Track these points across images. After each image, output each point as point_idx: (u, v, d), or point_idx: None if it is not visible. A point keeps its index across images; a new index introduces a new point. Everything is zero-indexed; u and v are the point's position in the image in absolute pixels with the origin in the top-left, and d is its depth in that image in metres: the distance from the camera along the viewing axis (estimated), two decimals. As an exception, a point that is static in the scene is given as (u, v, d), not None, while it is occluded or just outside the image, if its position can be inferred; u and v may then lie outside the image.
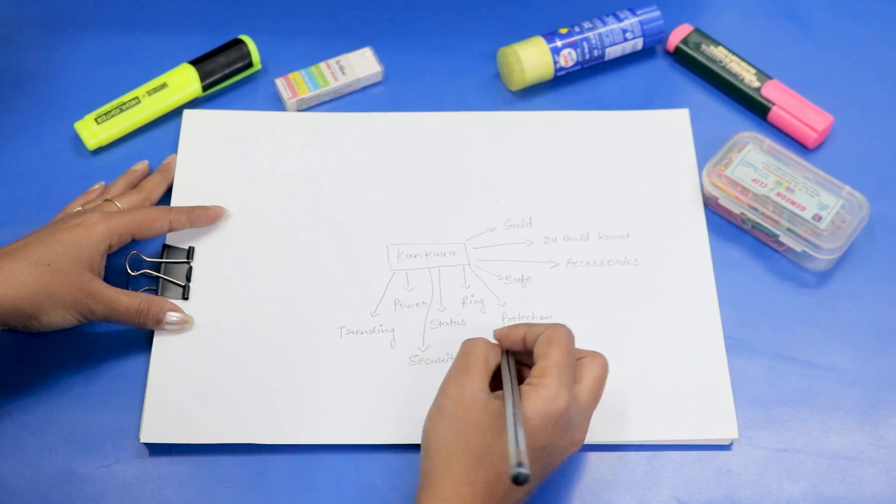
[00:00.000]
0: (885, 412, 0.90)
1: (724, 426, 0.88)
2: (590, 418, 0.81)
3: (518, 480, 0.70)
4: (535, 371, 0.78)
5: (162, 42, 1.09)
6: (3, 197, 1.00)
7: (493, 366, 0.81)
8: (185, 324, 0.91)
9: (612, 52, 1.06)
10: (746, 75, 1.05)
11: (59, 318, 0.85)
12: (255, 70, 1.07)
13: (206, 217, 0.96)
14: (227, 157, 1.01)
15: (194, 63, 1.05)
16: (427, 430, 0.79)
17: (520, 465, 0.70)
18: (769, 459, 0.88)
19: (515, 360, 0.83)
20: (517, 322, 0.93)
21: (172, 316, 0.90)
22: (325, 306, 0.92)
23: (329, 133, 1.03)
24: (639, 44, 1.07)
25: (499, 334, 0.83)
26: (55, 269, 0.84)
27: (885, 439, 0.89)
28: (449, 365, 0.90)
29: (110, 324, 0.92)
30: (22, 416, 0.89)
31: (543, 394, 0.76)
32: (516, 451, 0.71)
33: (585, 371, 0.80)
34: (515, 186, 1.00)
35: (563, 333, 0.80)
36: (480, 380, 0.79)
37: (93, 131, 1.02)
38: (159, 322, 0.90)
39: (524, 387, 0.78)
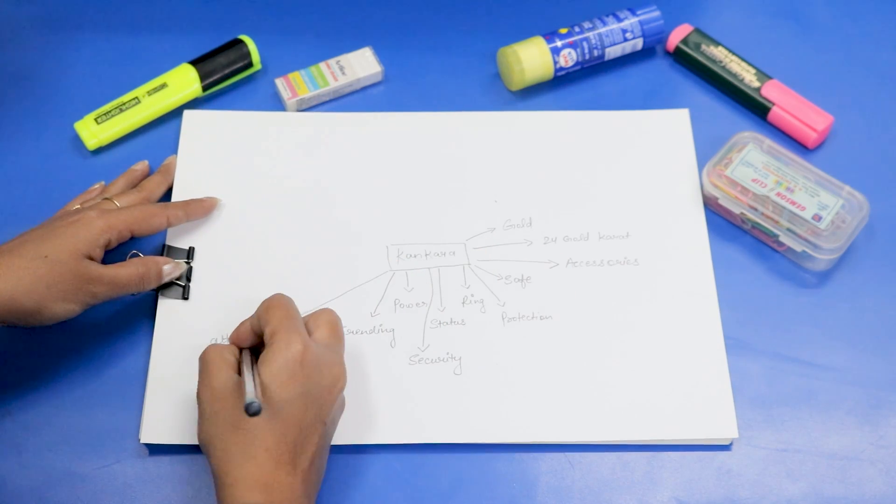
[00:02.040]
0: (885, 412, 0.91)
1: (723, 426, 0.88)
2: (342, 355, 0.84)
3: (250, 410, 0.76)
4: (265, 338, 0.82)
5: (162, 42, 1.09)
6: (3, 197, 1.00)
7: (232, 359, 0.82)
8: (179, 269, 0.92)
9: (612, 52, 1.06)
10: (746, 75, 1.05)
11: (60, 309, 0.85)
12: (255, 70, 1.07)
13: (202, 209, 0.96)
14: (227, 158, 1.01)
15: (194, 63, 1.05)
16: (199, 438, 0.81)
17: (247, 402, 0.76)
18: (769, 459, 0.88)
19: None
20: (517, 322, 0.93)
21: (167, 268, 0.92)
22: (325, 306, 0.92)
23: (329, 133, 1.03)
24: (639, 44, 1.07)
25: (231, 337, 0.86)
26: (52, 261, 0.84)
27: (885, 439, 0.89)
28: (450, 364, 0.90)
29: (111, 323, 0.93)
30: (22, 416, 0.89)
31: (277, 346, 0.79)
32: (251, 391, 0.77)
33: (315, 321, 0.84)
34: (515, 186, 1.00)
35: (277, 298, 0.84)
36: (224, 374, 0.81)
37: (93, 131, 1.02)
38: (160, 279, 0.91)
39: (263, 355, 0.81)
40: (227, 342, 0.91)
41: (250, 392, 0.77)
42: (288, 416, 0.78)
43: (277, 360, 0.79)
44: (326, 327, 0.84)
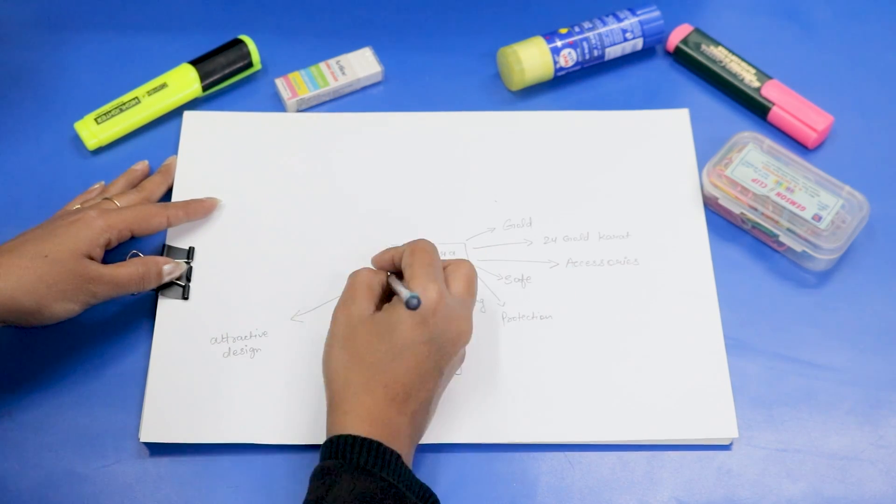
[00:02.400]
0: (885, 412, 0.90)
1: (723, 426, 0.88)
2: (471, 311, 0.86)
3: (411, 304, 0.78)
4: (405, 280, 0.84)
5: (162, 42, 1.09)
6: (3, 197, 1.00)
7: (377, 290, 0.86)
8: (179, 269, 0.93)
9: (612, 52, 1.06)
10: (746, 75, 1.05)
11: (61, 308, 0.85)
12: (255, 70, 1.07)
13: (202, 209, 0.96)
14: (227, 158, 1.01)
15: (194, 63, 1.05)
16: (324, 360, 0.83)
17: (408, 297, 0.78)
18: (769, 459, 0.88)
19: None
20: (517, 322, 0.93)
21: (168, 267, 0.92)
22: (325, 306, 0.92)
23: (329, 133, 1.03)
24: (639, 44, 1.07)
25: (374, 260, 0.90)
26: (52, 260, 0.84)
27: (885, 439, 0.89)
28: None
29: (110, 323, 0.93)
30: (22, 416, 0.89)
31: (416, 290, 0.81)
32: (404, 290, 0.80)
33: (453, 272, 0.86)
34: (515, 186, 1.00)
35: (422, 243, 0.86)
36: (365, 303, 0.84)
37: (93, 131, 1.02)
38: (160, 278, 0.91)
39: (396, 296, 0.83)
40: (227, 341, 0.91)
41: (405, 292, 0.80)
42: (409, 359, 0.81)
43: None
44: (463, 281, 0.86)
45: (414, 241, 0.87)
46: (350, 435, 0.77)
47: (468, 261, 0.87)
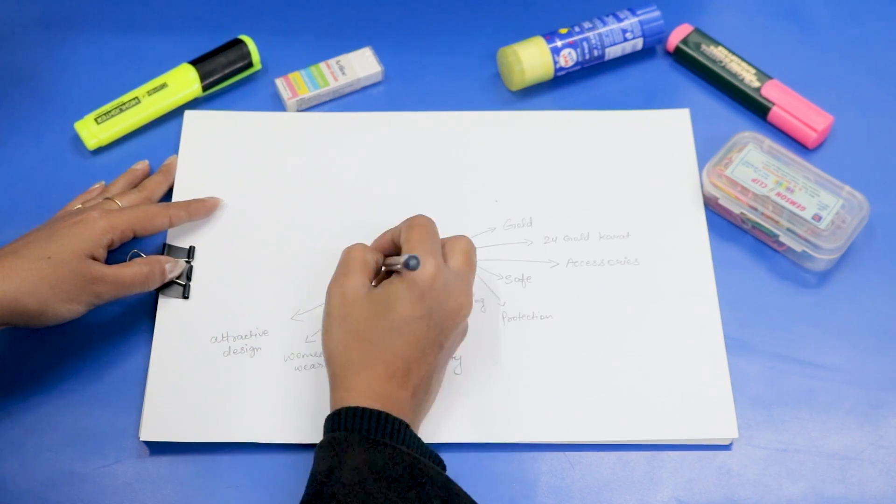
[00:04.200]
0: (885, 412, 0.90)
1: (724, 426, 0.88)
2: (471, 285, 0.85)
3: (410, 265, 0.79)
4: (402, 255, 0.83)
5: (162, 42, 1.09)
6: (3, 197, 1.00)
7: (372, 265, 0.85)
8: (179, 267, 0.93)
9: (612, 52, 1.06)
10: (746, 75, 1.05)
11: (64, 309, 0.85)
12: (255, 70, 1.07)
13: (204, 209, 0.97)
14: (227, 158, 1.01)
15: (194, 63, 1.05)
16: (323, 339, 0.83)
17: (406, 258, 0.79)
18: (769, 459, 0.88)
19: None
20: (517, 322, 0.93)
21: (168, 266, 0.92)
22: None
23: (329, 133, 1.03)
24: (639, 44, 1.07)
25: (373, 243, 0.88)
26: (56, 262, 0.84)
27: (885, 439, 0.89)
28: (450, 364, 0.90)
29: (111, 323, 0.93)
30: (22, 416, 0.89)
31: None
32: (402, 256, 0.80)
33: (451, 247, 0.86)
34: (515, 186, 1.00)
35: (420, 218, 0.86)
36: (361, 278, 0.83)
37: (93, 131, 1.02)
38: (163, 278, 0.92)
39: (397, 272, 0.83)
40: (228, 340, 0.91)
41: (403, 257, 0.80)
42: (408, 334, 0.81)
43: (408, 277, 0.81)
44: (461, 255, 0.86)
45: (411, 217, 0.86)
46: (357, 406, 0.77)
47: (465, 236, 0.87)
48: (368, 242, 0.92)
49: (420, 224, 0.85)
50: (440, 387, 0.86)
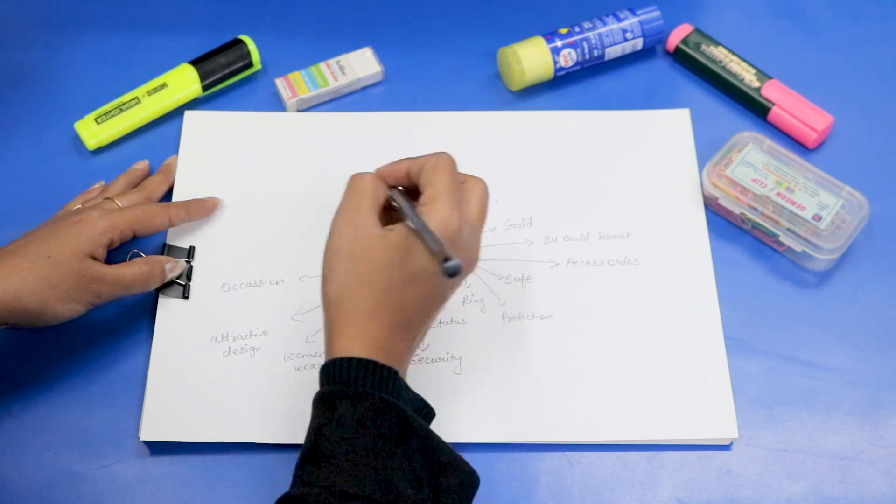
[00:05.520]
0: (885, 412, 0.91)
1: (723, 426, 0.88)
2: (480, 238, 0.81)
3: (451, 272, 0.73)
4: (424, 199, 0.78)
5: (162, 42, 1.09)
6: (3, 197, 1.00)
7: (382, 200, 0.80)
8: (179, 267, 0.93)
9: (612, 52, 1.06)
10: (746, 75, 1.05)
11: (65, 309, 0.85)
12: (255, 70, 1.07)
13: (204, 209, 0.97)
14: (227, 158, 1.01)
15: (194, 63, 1.05)
16: (326, 277, 0.78)
17: (446, 259, 0.73)
18: (769, 459, 0.88)
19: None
20: (517, 322, 0.93)
21: (170, 266, 0.92)
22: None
23: (329, 133, 1.03)
24: (639, 44, 1.07)
25: (383, 171, 0.82)
26: (56, 261, 0.84)
27: (885, 439, 0.89)
28: (450, 364, 0.90)
29: (111, 323, 0.93)
30: (22, 416, 0.89)
31: (437, 217, 0.77)
32: (440, 251, 0.74)
33: (470, 194, 0.81)
34: (515, 186, 1.00)
35: (446, 160, 0.80)
36: (372, 215, 0.78)
37: (93, 131, 1.02)
38: (164, 277, 0.91)
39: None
40: (228, 340, 0.91)
41: (439, 253, 0.74)
42: (421, 287, 0.77)
43: (433, 230, 0.76)
44: (477, 204, 0.81)
45: (436, 156, 0.81)
46: (345, 358, 0.75)
47: (482, 179, 0.82)
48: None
49: (445, 168, 0.79)
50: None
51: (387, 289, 0.76)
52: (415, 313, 0.78)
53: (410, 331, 0.78)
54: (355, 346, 0.76)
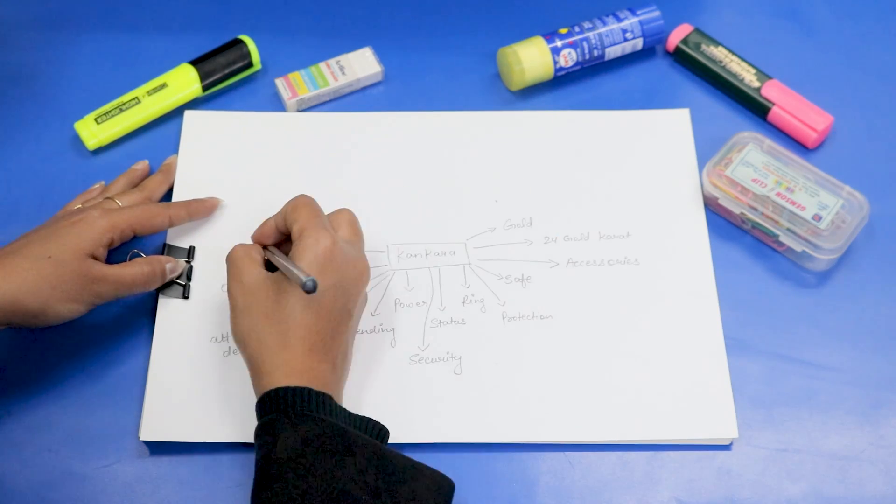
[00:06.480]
0: (885, 412, 0.91)
1: (723, 426, 0.88)
2: (363, 251, 0.89)
3: (307, 288, 0.79)
4: (294, 234, 0.85)
5: (162, 42, 1.09)
6: (3, 197, 1.00)
7: (258, 259, 0.87)
8: (179, 267, 0.93)
9: (612, 52, 1.06)
10: (746, 75, 1.05)
11: (65, 309, 0.85)
12: (255, 70, 1.07)
13: (204, 209, 0.97)
14: (227, 158, 1.01)
15: (194, 63, 1.05)
16: (233, 331, 0.84)
17: (305, 280, 0.79)
18: (769, 459, 0.88)
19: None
20: (517, 322, 0.93)
21: (170, 266, 0.92)
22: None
23: (329, 133, 1.03)
24: (639, 44, 1.07)
25: (255, 235, 0.90)
26: (56, 261, 0.84)
27: (885, 439, 0.89)
28: (450, 364, 0.90)
29: (111, 323, 0.93)
30: (23, 415, 0.89)
31: (308, 243, 0.83)
32: (299, 273, 0.80)
33: (338, 217, 0.89)
34: (515, 186, 1.00)
35: (302, 198, 0.88)
36: (254, 270, 0.85)
37: (93, 131, 1.02)
38: (164, 277, 0.92)
39: (293, 251, 0.84)
40: (228, 340, 0.91)
41: (300, 273, 0.80)
42: (320, 307, 0.82)
43: (308, 254, 0.83)
44: (347, 226, 0.88)
45: (292, 199, 0.88)
46: (279, 388, 0.78)
47: (346, 208, 0.89)
48: (367, 243, 0.92)
49: (304, 203, 0.87)
50: (352, 356, 0.88)
51: (286, 318, 0.82)
52: (325, 333, 0.82)
53: (328, 350, 0.82)
54: (275, 379, 0.79)
